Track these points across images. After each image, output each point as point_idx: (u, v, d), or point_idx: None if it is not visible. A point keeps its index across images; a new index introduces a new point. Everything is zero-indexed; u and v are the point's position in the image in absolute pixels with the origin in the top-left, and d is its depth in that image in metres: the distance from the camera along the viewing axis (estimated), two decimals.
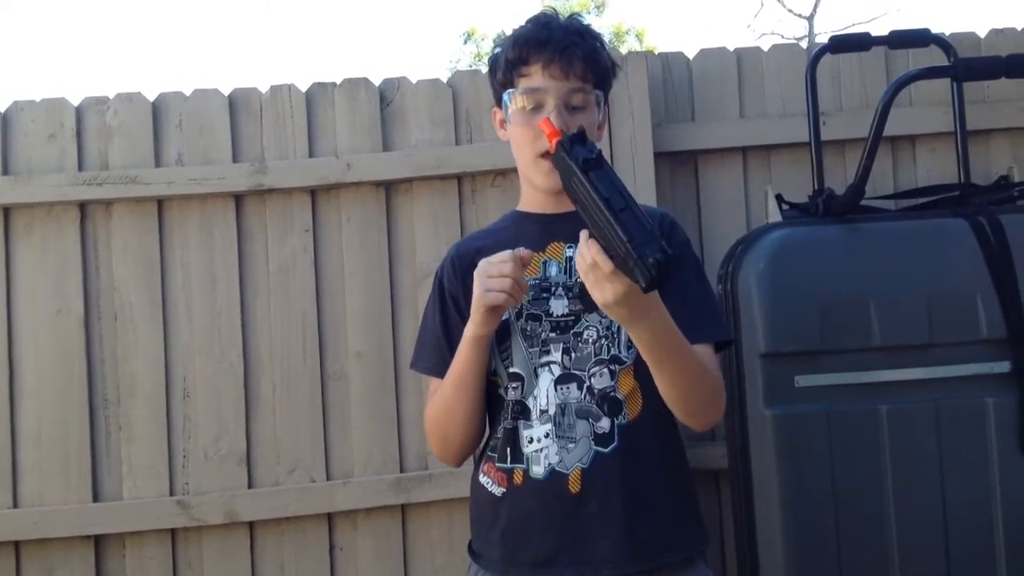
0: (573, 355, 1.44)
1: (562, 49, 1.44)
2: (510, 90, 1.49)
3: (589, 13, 18.54)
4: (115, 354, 2.32)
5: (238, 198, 2.36)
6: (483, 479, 1.52)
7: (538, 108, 1.45)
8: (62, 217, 2.32)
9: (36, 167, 2.32)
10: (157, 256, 2.34)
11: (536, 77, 1.45)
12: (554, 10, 1.58)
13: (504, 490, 1.47)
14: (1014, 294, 1.97)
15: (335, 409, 2.35)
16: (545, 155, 1.38)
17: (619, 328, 1.44)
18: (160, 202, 2.35)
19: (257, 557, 2.32)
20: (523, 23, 1.53)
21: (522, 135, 1.48)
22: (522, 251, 1.40)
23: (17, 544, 2.25)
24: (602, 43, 1.52)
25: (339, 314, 2.36)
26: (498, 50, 1.54)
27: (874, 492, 1.95)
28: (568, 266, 1.49)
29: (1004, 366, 1.96)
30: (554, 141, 1.27)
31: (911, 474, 1.95)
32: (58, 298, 2.31)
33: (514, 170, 2.32)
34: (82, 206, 2.33)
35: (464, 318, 1.47)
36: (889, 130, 2.26)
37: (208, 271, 2.35)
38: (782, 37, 18.14)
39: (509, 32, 1.55)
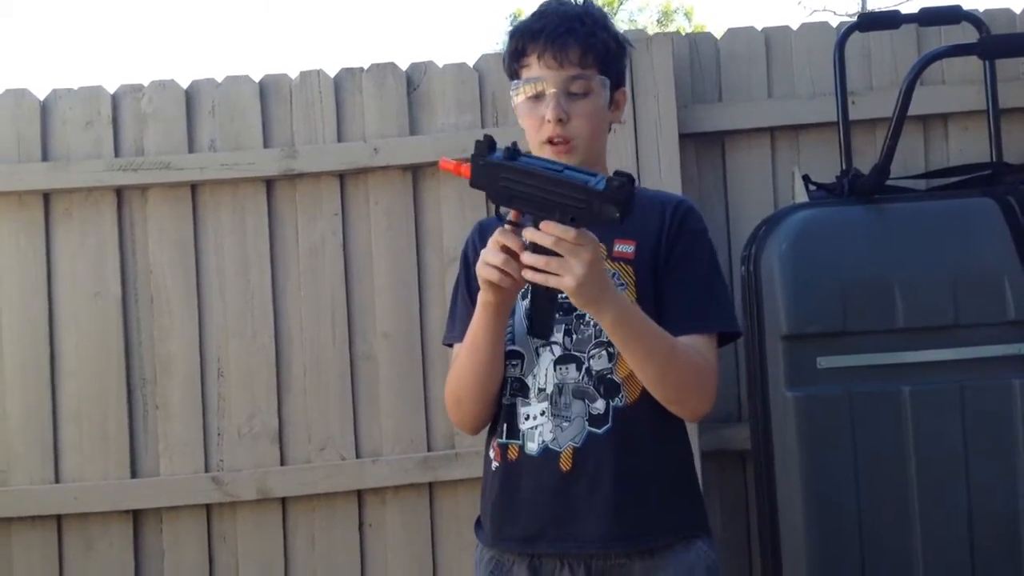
0: (574, 336, 1.45)
1: (554, 38, 1.43)
2: (513, 82, 1.50)
3: None
4: (152, 335, 2.39)
5: (269, 183, 2.41)
6: (489, 453, 1.54)
7: (539, 97, 1.45)
8: (100, 202, 2.39)
9: (74, 153, 2.39)
10: (191, 240, 2.40)
11: (534, 68, 1.46)
12: None
13: (498, 464, 1.50)
14: None
15: (364, 389, 2.39)
16: (473, 177, 1.30)
17: None
18: (194, 187, 2.41)
19: (289, 532, 2.38)
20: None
21: (528, 124, 1.49)
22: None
23: (59, 518, 2.33)
24: (604, 25, 1.50)
25: (367, 296, 2.40)
26: (507, 37, 1.55)
27: (897, 474, 1.94)
28: None
29: None
30: (463, 168, 1.27)
31: (935, 456, 1.94)
32: (96, 281, 2.38)
33: None
34: (119, 191, 2.40)
35: None
36: (921, 108, 2.25)
37: (240, 254, 2.40)
38: (834, 14, 17.77)
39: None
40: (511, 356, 1.49)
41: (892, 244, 2.00)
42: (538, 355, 1.47)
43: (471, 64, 2.45)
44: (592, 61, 1.45)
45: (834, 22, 2.46)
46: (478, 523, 1.58)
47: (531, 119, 1.47)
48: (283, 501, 2.37)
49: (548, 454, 1.44)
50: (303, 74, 2.43)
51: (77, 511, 2.32)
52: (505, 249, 1.28)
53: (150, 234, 2.40)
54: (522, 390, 1.48)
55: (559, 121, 1.43)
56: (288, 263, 2.41)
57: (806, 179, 2.26)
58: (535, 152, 1.50)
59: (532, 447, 1.45)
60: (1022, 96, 2.36)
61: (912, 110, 2.04)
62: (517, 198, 1.25)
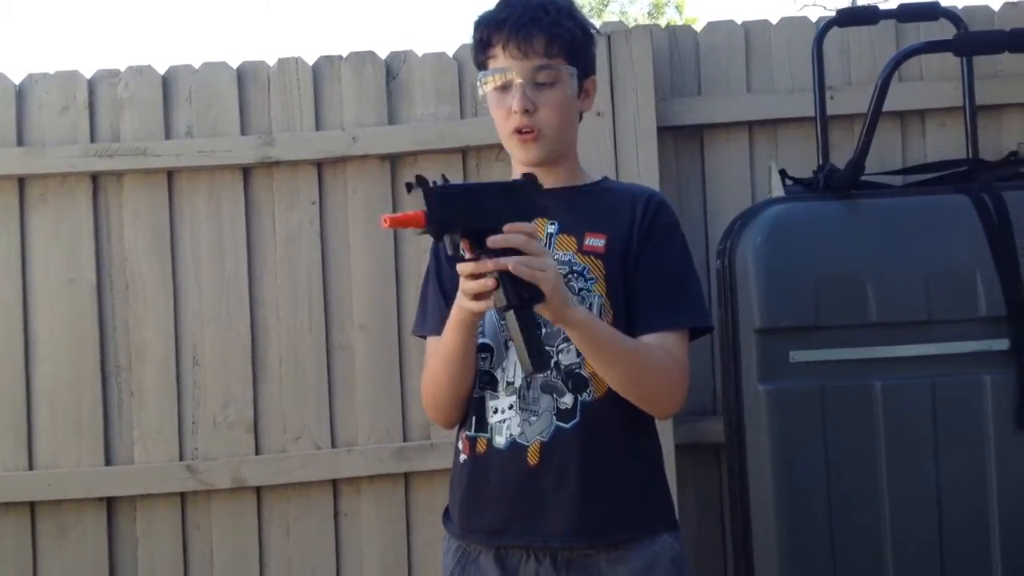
0: (544, 330, 1.44)
1: (518, 28, 1.42)
2: (480, 73, 1.49)
3: None
4: (127, 322, 2.38)
5: (246, 170, 2.40)
6: (458, 445, 1.55)
7: (507, 87, 1.45)
8: (75, 188, 2.37)
9: (49, 139, 2.37)
10: (167, 227, 2.39)
11: (500, 58, 1.45)
12: None
13: (466, 457, 1.50)
14: (1014, 271, 1.95)
15: (340, 379, 2.39)
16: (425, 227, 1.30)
17: (590, 306, 1.45)
18: (170, 174, 2.39)
19: (264, 521, 2.37)
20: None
21: (496, 115, 1.49)
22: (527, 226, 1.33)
23: (32, 504, 2.33)
24: (570, 13, 1.48)
25: (344, 286, 2.40)
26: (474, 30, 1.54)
27: (868, 469, 1.95)
28: (548, 242, 1.49)
29: (1003, 344, 1.96)
30: (411, 216, 1.29)
31: (906, 451, 1.95)
32: (71, 267, 2.37)
33: None
34: (94, 177, 2.38)
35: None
36: (898, 104, 2.25)
37: (216, 242, 2.39)
38: (824, 8, 17.79)
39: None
40: (481, 349, 1.49)
41: (866, 239, 2.01)
42: (507, 348, 1.47)
43: (451, 54, 2.44)
44: (558, 50, 1.44)
45: (812, 16, 2.46)
46: (446, 513, 1.59)
47: (499, 110, 1.48)
48: (258, 490, 2.37)
49: (515, 448, 1.44)
50: (281, 61, 2.42)
51: (51, 498, 2.31)
52: (475, 276, 1.27)
53: (126, 220, 2.39)
54: (491, 383, 1.48)
55: (525, 112, 1.43)
56: (265, 251, 2.40)
57: (783, 173, 2.27)
58: (505, 141, 1.51)
59: (500, 441, 1.46)
60: (999, 93, 2.37)
61: (890, 106, 2.04)
62: (468, 220, 1.28)
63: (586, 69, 1.51)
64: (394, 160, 2.41)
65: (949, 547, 1.95)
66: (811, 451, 1.96)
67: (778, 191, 2.26)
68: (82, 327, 2.36)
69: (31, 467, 2.33)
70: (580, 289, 1.45)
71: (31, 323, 2.36)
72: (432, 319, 1.57)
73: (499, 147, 2.35)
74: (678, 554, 1.49)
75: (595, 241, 1.48)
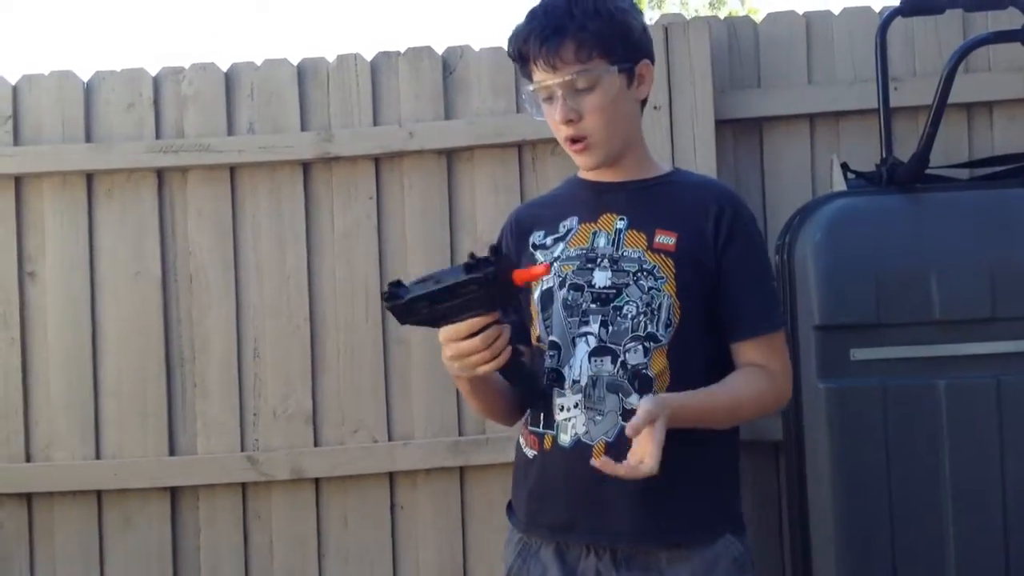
0: (610, 328, 1.44)
1: (543, 41, 1.39)
2: (526, 87, 1.48)
3: None
4: (190, 315, 2.43)
5: (305, 166, 2.43)
6: (521, 440, 1.55)
7: (552, 98, 1.44)
8: (140, 183, 2.43)
9: (116, 135, 2.43)
10: (229, 221, 2.44)
11: (538, 72, 1.42)
12: None
13: (535, 453, 1.50)
14: None
15: (397, 373, 2.42)
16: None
17: (659, 306, 1.44)
18: (232, 169, 2.44)
19: (322, 512, 2.41)
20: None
21: (550, 125, 1.48)
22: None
23: (99, 493, 2.39)
24: (595, 9, 1.41)
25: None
26: None
27: (930, 470, 1.92)
28: (617, 238, 1.47)
29: None
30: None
31: (969, 452, 1.91)
32: (137, 261, 2.43)
33: None
34: (159, 173, 2.44)
35: None
36: (965, 96, 2.20)
37: (277, 236, 2.43)
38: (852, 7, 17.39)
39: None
40: (551, 347, 1.49)
41: (929, 235, 1.97)
42: (574, 345, 1.46)
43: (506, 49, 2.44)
44: (590, 53, 1.40)
45: (876, 6, 2.40)
46: (510, 507, 1.60)
47: (550, 121, 1.47)
48: (316, 481, 2.41)
49: (580, 447, 1.44)
50: (340, 58, 2.45)
51: (116, 487, 2.38)
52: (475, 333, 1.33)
53: (189, 215, 2.44)
54: (558, 380, 1.47)
55: (569, 122, 1.42)
56: (323, 246, 2.43)
57: (844, 167, 2.23)
58: (563, 146, 1.50)
59: (565, 439, 1.45)
60: None
61: (956, 98, 2.00)
62: (433, 318, 1.37)
63: (631, 56, 1.45)
64: (450, 155, 2.42)
65: (1015, 553, 1.90)
66: (871, 451, 1.92)
67: (840, 185, 2.22)
68: (147, 320, 2.42)
69: (98, 456, 2.40)
70: (649, 288, 1.43)
71: (98, 316, 2.42)
72: None
73: (554, 142, 2.36)
74: (741, 554, 1.48)
75: (666, 239, 1.45)
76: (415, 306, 1.36)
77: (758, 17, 2.49)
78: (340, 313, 2.42)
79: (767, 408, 1.50)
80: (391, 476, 2.41)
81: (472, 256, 1.29)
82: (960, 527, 1.90)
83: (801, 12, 2.42)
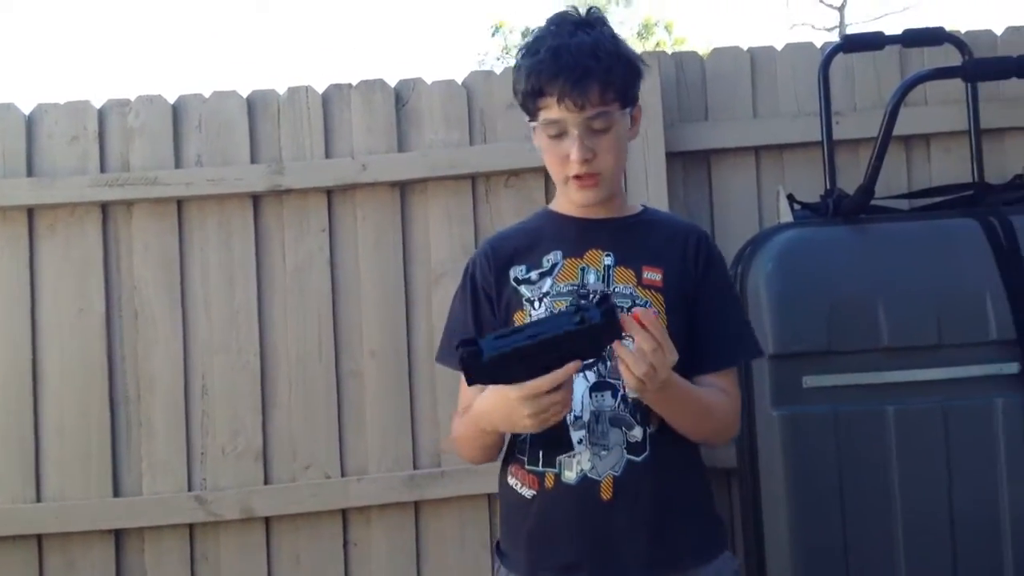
0: (608, 363, 1.45)
1: (575, 81, 1.40)
2: (533, 123, 1.48)
3: (617, 5, 18.51)
4: (135, 352, 2.37)
5: (256, 198, 2.41)
6: (511, 480, 1.52)
7: (561, 135, 1.44)
8: (84, 218, 2.38)
9: (59, 169, 2.37)
10: (177, 256, 2.39)
11: (553, 109, 1.43)
12: (575, 9, 1.50)
13: (534, 492, 1.47)
14: (1023, 295, 1.96)
15: (350, 407, 2.39)
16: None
17: None
18: (180, 203, 2.40)
19: (273, 552, 2.36)
20: (534, 43, 1.46)
21: (550, 161, 1.49)
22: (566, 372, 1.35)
23: (40, 537, 2.31)
24: (618, 53, 1.45)
25: (354, 313, 2.40)
26: (518, 72, 1.49)
27: (881, 493, 1.95)
28: (606, 274, 1.49)
29: (1013, 367, 1.96)
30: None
31: (918, 475, 1.95)
32: (81, 297, 2.36)
33: (528, 170, 2.39)
34: (104, 207, 2.38)
35: (498, 312, 1.52)
36: (903, 129, 2.26)
37: (226, 271, 2.39)
38: (813, 27, 18.00)
39: (530, 36, 1.51)
40: None
41: (877, 264, 2.02)
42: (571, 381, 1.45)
43: (459, 81, 2.46)
44: (612, 96, 1.43)
45: (814, 37, 2.50)
46: (498, 549, 1.57)
47: (553, 157, 1.47)
48: (267, 520, 2.36)
49: (587, 483, 1.43)
50: (291, 90, 2.43)
51: (58, 530, 2.30)
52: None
53: (135, 250, 2.39)
54: None
55: (585, 160, 1.43)
56: (274, 279, 2.40)
57: (791, 198, 2.28)
58: (559, 187, 1.51)
59: (570, 476, 1.44)
60: (1003, 117, 2.39)
61: (895, 131, 2.06)
62: (525, 373, 1.30)
63: (634, 100, 1.50)
64: (404, 187, 2.42)
65: (963, 570, 1.94)
66: (825, 476, 1.95)
67: (786, 216, 2.27)
68: (91, 357, 2.36)
69: (39, 499, 2.32)
70: None
71: (40, 353, 2.35)
72: None
73: (509, 173, 2.41)
74: (737, 568, 1.54)
75: (652, 275, 1.48)
76: (504, 363, 1.28)
77: (687, 46, 2.54)
78: (292, 347, 2.39)
79: (726, 428, 1.53)
80: (344, 513, 2.37)
81: (578, 302, 1.29)
82: (911, 546, 1.94)
83: (745, 48, 2.48)
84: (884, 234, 2.07)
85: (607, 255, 1.50)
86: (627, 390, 1.40)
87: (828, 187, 2.25)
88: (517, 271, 1.53)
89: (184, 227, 2.40)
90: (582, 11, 1.50)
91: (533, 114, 1.47)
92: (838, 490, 1.95)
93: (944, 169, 2.42)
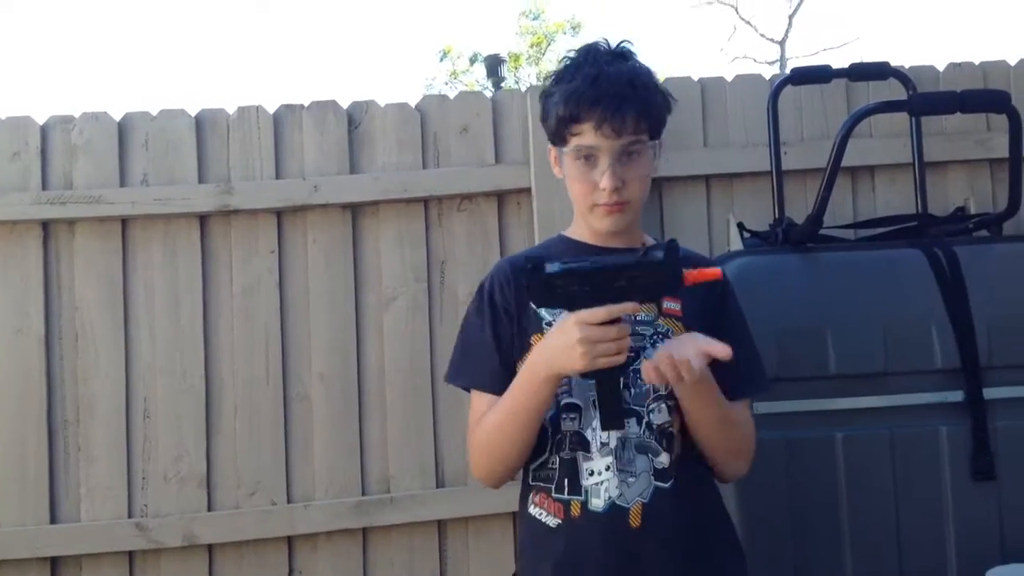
0: (632, 390, 1.45)
1: (615, 108, 1.41)
2: (563, 149, 1.48)
3: (565, 34, 18.72)
4: (75, 374, 2.31)
5: (203, 219, 2.36)
6: (534, 510, 1.49)
7: (592, 159, 1.45)
8: (24, 236, 2.31)
9: None
10: (120, 276, 2.34)
11: (588, 135, 1.44)
12: (606, 41, 1.52)
13: (559, 521, 1.45)
14: (968, 324, 2.00)
15: (297, 431, 2.35)
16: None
17: None
18: (124, 222, 2.35)
19: None
20: (570, 67, 1.49)
21: (578, 188, 1.48)
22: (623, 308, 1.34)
23: None
24: (654, 86, 1.48)
25: (303, 336, 2.36)
26: (548, 98, 1.50)
27: (830, 516, 1.97)
28: None
29: (958, 395, 2.00)
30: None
31: (866, 499, 1.98)
32: (19, 317, 2.30)
33: (481, 194, 2.39)
34: (45, 225, 2.32)
35: (516, 332, 1.49)
36: (849, 160, 2.30)
37: (172, 292, 2.34)
38: (755, 61, 18.35)
39: (560, 65, 1.53)
40: (568, 409, 1.46)
41: (825, 292, 2.05)
42: (595, 407, 1.44)
43: (413, 104, 2.45)
44: (646, 127, 1.45)
45: (756, 70, 2.52)
46: None
47: (582, 184, 1.47)
48: (210, 548, 2.30)
49: (615, 511, 1.42)
50: (241, 109, 2.40)
51: None
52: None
53: (77, 269, 2.33)
54: (582, 444, 1.45)
55: (615, 189, 1.43)
56: (221, 301, 2.36)
57: (740, 227, 2.31)
58: (585, 214, 1.51)
59: (597, 503, 1.43)
60: (945, 150, 2.45)
61: (842, 162, 2.10)
62: (582, 298, 1.30)
63: (661, 133, 1.52)
64: (356, 209, 2.40)
65: None
66: (775, 500, 1.97)
67: (736, 243, 2.30)
68: (28, 379, 2.29)
69: None
70: None
71: None
72: (485, 374, 1.52)
73: (462, 197, 2.41)
74: None
75: (673, 305, 1.49)
76: (561, 282, 1.29)
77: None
78: (238, 371, 2.34)
79: (747, 445, 1.54)
80: (290, 540, 2.33)
81: (643, 246, 1.29)
82: (859, 569, 1.96)
83: (696, 78, 2.51)
84: (832, 263, 2.10)
85: None
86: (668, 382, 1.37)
87: (777, 216, 2.28)
88: None
89: (128, 247, 2.35)
90: (612, 43, 1.52)
91: (564, 140, 1.47)
92: (788, 514, 1.97)
93: (889, 200, 2.47)
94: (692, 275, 1.30)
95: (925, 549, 1.97)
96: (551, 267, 1.30)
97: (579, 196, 1.49)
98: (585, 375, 1.35)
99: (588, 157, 1.45)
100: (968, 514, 1.97)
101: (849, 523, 1.97)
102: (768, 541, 1.97)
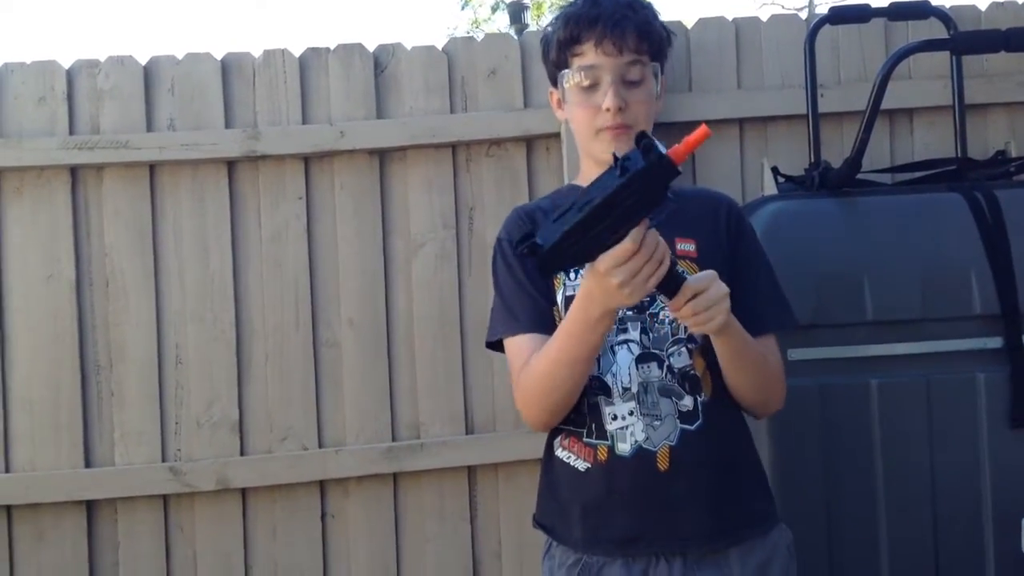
0: (651, 334, 1.44)
1: (613, 24, 1.42)
2: (565, 71, 1.47)
3: None
4: (107, 320, 2.31)
5: (230, 164, 2.35)
6: (562, 453, 1.48)
7: (594, 85, 1.44)
8: (53, 181, 2.30)
9: (27, 130, 2.30)
10: (149, 222, 2.33)
11: (589, 55, 1.44)
12: None
13: (589, 465, 1.44)
14: (1008, 270, 1.96)
15: (328, 377, 2.35)
16: (528, 251, 1.22)
17: None
18: (152, 167, 2.33)
19: (249, 523, 2.33)
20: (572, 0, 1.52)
21: (581, 114, 1.47)
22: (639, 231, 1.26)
23: (9, 508, 2.26)
24: (654, 12, 1.50)
25: (332, 282, 2.35)
26: (549, 29, 1.53)
27: (864, 464, 1.95)
28: None
29: (996, 342, 1.96)
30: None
31: (901, 448, 1.95)
32: (49, 263, 2.30)
33: (510, 139, 2.36)
34: (73, 171, 2.31)
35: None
36: (887, 103, 2.24)
37: (200, 238, 2.33)
38: (783, 8, 17.97)
39: (558, 9, 1.54)
40: None
41: (863, 238, 2.01)
42: (614, 353, 1.44)
43: (440, 47, 2.41)
44: (647, 48, 1.45)
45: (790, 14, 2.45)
46: (540, 525, 1.53)
47: (584, 108, 1.46)
48: (243, 492, 2.32)
49: (643, 454, 1.41)
50: (267, 53, 2.37)
51: (28, 501, 2.25)
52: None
53: (105, 215, 2.32)
54: (603, 389, 1.44)
55: (619, 110, 1.42)
56: (250, 247, 2.35)
57: (775, 171, 2.27)
58: (590, 141, 1.48)
59: (624, 448, 1.42)
60: (986, 92, 2.39)
61: None
62: (588, 250, 1.21)
63: (663, 63, 1.51)
64: (383, 155, 2.37)
65: (943, 541, 1.95)
66: (809, 448, 1.95)
67: (770, 188, 2.25)
68: (60, 325, 2.29)
69: (7, 470, 2.26)
70: None
71: (7, 321, 2.29)
72: (529, 319, 1.47)
73: (490, 142, 2.37)
74: (791, 541, 1.53)
75: (687, 246, 1.47)
76: (564, 245, 1.18)
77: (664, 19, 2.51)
78: (268, 317, 2.34)
79: (778, 384, 1.51)
80: (322, 485, 2.34)
81: (615, 157, 1.15)
82: (892, 518, 1.94)
83: (730, 18, 2.45)
84: (870, 208, 2.06)
85: None
86: (692, 329, 1.35)
87: (813, 160, 2.23)
88: None
89: (156, 193, 2.34)
90: None
91: (567, 64, 1.47)
92: (822, 462, 1.95)
93: (927, 144, 2.41)
94: (679, 151, 1.15)
95: (960, 497, 1.94)
96: (543, 238, 1.19)
97: (582, 123, 1.47)
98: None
99: (590, 86, 1.44)
100: (1005, 462, 1.94)
101: (883, 471, 1.94)
102: (801, 487, 1.96)
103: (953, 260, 1.98)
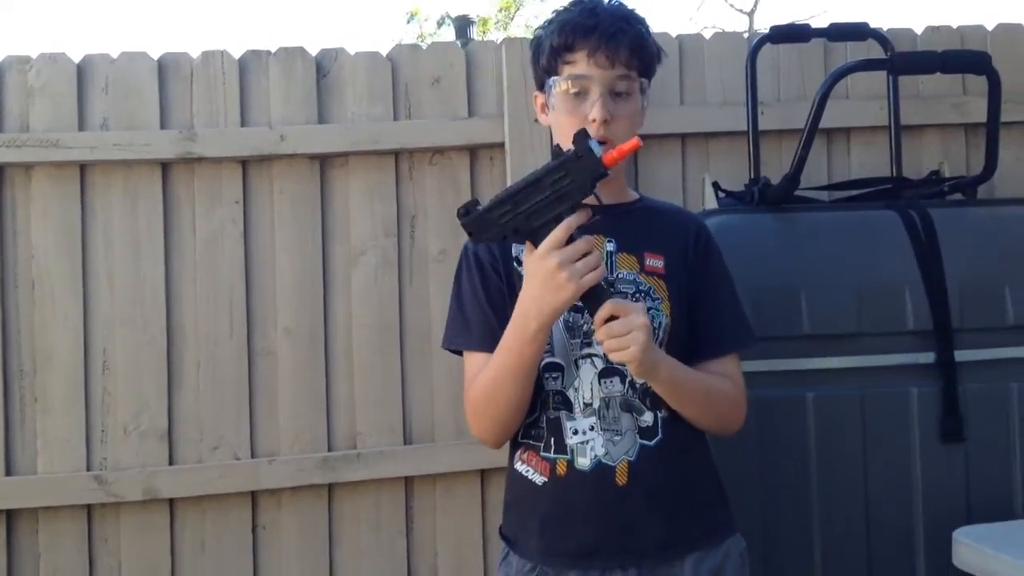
0: None
1: (608, 36, 1.42)
2: (554, 77, 1.47)
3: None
4: (32, 324, 2.24)
5: (165, 166, 2.29)
6: (521, 467, 1.49)
7: (582, 94, 1.44)
8: None
9: None
10: (78, 224, 2.26)
11: (581, 64, 1.44)
12: None
13: (545, 479, 1.46)
14: (941, 287, 2.00)
15: (262, 386, 2.30)
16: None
17: (658, 325, 1.45)
18: (83, 168, 2.27)
19: (176, 535, 2.26)
20: (567, 6, 1.51)
21: (567, 122, 1.46)
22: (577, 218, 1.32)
23: None
24: (648, 28, 1.50)
25: (268, 289, 2.31)
26: (540, 33, 1.52)
27: (799, 476, 1.98)
28: (609, 261, 1.48)
29: (929, 357, 2.00)
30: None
31: (835, 460, 1.98)
32: None
33: (454, 148, 2.34)
34: (1, 169, 2.24)
35: (507, 289, 1.47)
36: (825, 122, 2.27)
37: (132, 241, 2.27)
38: (724, 31, 18.31)
39: (552, 13, 1.53)
40: (550, 368, 1.46)
41: (800, 253, 2.04)
42: (577, 367, 1.45)
43: (384, 53, 2.38)
44: (637, 63, 1.46)
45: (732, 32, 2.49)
46: (503, 535, 1.55)
47: (570, 117, 1.46)
48: (171, 502, 2.25)
49: (602, 469, 1.42)
50: (205, 54, 2.32)
51: None
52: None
53: (33, 216, 2.25)
54: (565, 404, 1.45)
55: (605, 122, 1.42)
56: (184, 252, 2.29)
57: (715, 186, 2.29)
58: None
59: (583, 462, 1.43)
60: (921, 114, 2.44)
61: None
62: (519, 225, 1.31)
63: (650, 81, 1.52)
64: (324, 160, 2.34)
65: (876, 553, 1.98)
66: (746, 459, 1.96)
67: (711, 203, 2.27)
68: None
69: None
70: (649, 308, 1.43)
71: None
72: (479, 335, 1.49)
73: (433, 151, 2.35)
74: (743, 548, 1.55)
75: (655, 262, 1.49)
76: (495, 214, 1.28)
77: None
78: (200, 323, 2.29)
79: (732, 412, 1.53)
80: (254, 496, 2.29)
81: (557, 148, 1.28)
82: (826, 528, 1.97)
83: (674, 35, 2.47)
84: (807, 223, 2.09)
85: (609, 241, 1.49)
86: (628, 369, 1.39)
87: (752, 176, 2.26)
88: (520, 252, 1.47)
89: (87, 193, 2.27)
90: None
91: (557, 70, 1.47)
92: (758, 473, 1.97)
93: (864, 163, 2.46)
94: (611, 156, 1.29)
95: (893, 509, 1.98)
96: (477, 208, 1.31)
97: (567, 131, 1.45)
98: (580, 299, 1.31)
99: (578, 93, 1.45)
100: (936, 475, 1.98)
101: (818, 483, 1.97)
102: (737, 498, 1.95)
103: (888, 276, 2.02)
